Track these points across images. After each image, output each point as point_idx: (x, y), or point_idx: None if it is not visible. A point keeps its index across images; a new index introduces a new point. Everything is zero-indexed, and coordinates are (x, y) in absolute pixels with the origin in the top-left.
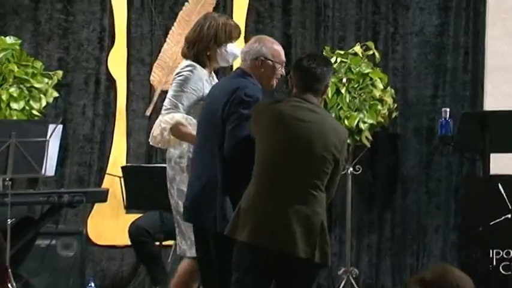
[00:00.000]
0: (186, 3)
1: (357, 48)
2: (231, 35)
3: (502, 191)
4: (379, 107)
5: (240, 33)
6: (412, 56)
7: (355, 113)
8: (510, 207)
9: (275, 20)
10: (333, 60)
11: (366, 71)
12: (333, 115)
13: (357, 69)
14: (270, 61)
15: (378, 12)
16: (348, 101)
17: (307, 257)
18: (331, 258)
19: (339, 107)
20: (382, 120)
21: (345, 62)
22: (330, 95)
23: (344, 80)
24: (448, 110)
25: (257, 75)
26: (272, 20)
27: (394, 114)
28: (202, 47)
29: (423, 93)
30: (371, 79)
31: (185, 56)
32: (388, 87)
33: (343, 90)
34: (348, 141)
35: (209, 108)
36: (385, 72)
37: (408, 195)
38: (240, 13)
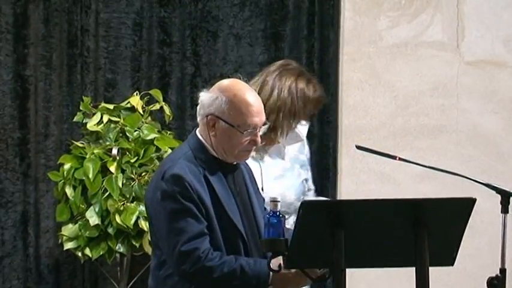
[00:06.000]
0: None
1: (135, 100)
2: None
3: None
4: None
5: None
6: None
7: (133, 205)
8: None
9: (3, 56)
10: (96, 119)
11: (150, 137)
12: (97, 208)
13: (135, 133)
14: (223, 122)
15: (169, 42)
16: (120, 185)
17: None
18: None
19: (105, 194)
20: None
21: (116, 123)
22: (91, 175)
23: (114, 152)
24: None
25: (210, 142)
26: None
27: None
28: None
29: None
30: (158, 149)
31: None
32: None
33: (112, 168)
34: (121, 249)
35: None
36: (181, 138)
37: None
38: None
